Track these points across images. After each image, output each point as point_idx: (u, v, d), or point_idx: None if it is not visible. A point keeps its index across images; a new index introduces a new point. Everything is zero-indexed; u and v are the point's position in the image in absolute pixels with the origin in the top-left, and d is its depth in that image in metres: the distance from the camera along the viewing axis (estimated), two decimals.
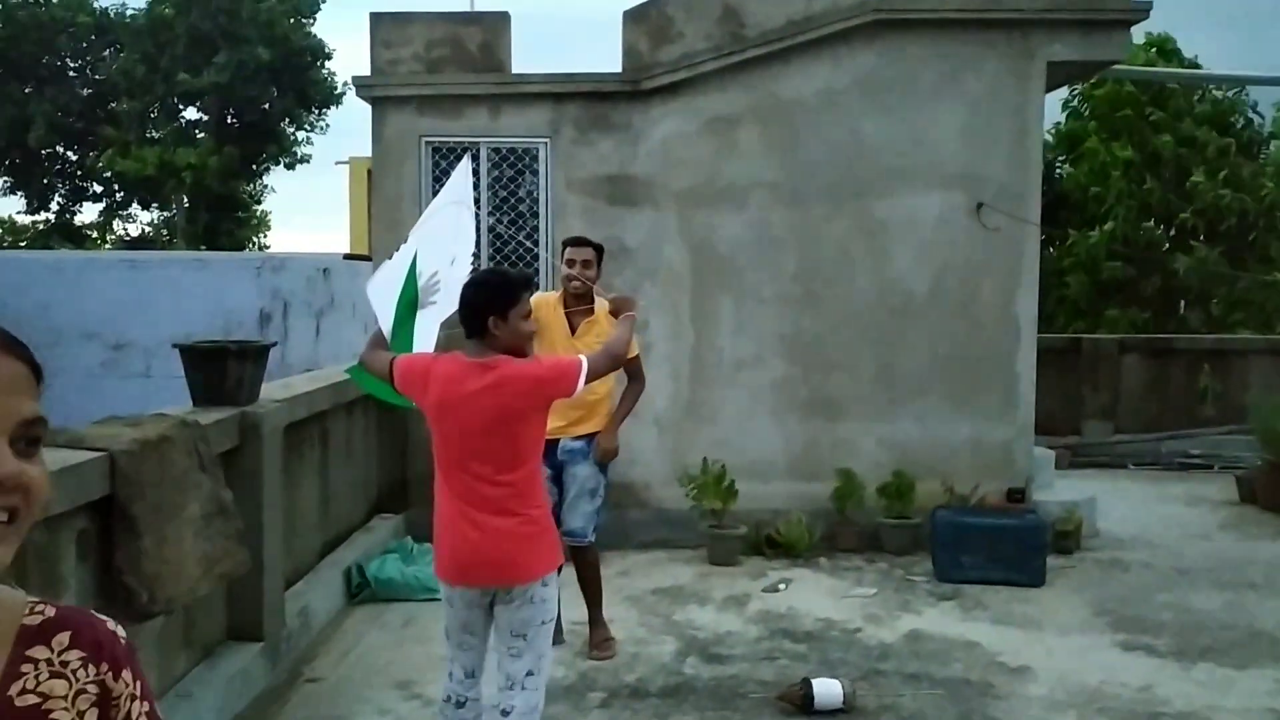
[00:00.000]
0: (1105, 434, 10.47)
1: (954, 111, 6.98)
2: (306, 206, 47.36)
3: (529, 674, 3.23)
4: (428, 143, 7.11)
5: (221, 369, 4.25)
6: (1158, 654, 5.08)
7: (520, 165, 7.16)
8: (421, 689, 4.50)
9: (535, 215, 7.14)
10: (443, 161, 7.03)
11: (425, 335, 3.68)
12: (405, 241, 3.85)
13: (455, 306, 3.32)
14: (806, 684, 4.35)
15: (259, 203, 27.04)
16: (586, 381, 3.21)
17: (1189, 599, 5.95)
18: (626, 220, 7.05)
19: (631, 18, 7.07)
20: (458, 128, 7.09)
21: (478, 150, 7.07)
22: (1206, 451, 10.02)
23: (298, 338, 10.05)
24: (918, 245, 7.02)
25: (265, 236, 27.75)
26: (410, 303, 3.68)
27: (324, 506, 5.73)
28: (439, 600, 3.46)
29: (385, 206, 7.16)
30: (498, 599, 3.22)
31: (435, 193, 4.41)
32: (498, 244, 7.17)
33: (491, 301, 3.15)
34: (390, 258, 3.80)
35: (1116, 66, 8.85)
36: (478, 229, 7.01)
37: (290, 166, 25.43)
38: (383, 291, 3.70)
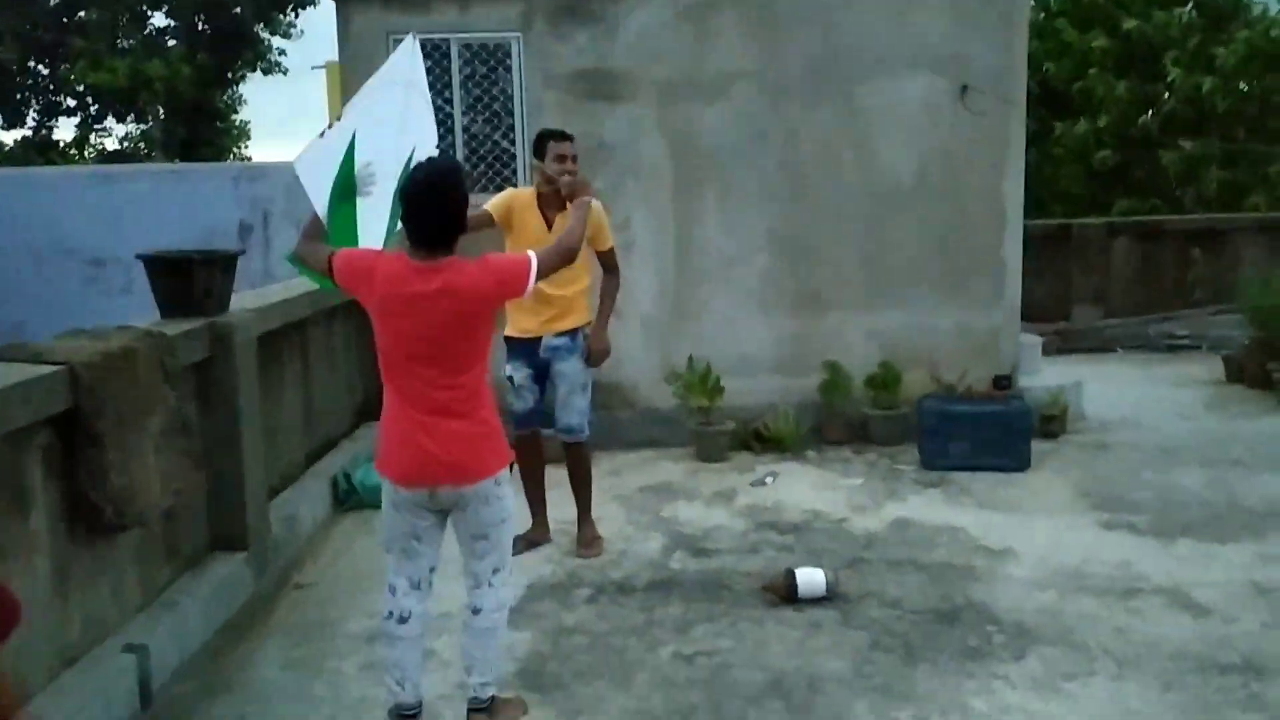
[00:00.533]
0: (1094, 319, 10.44)
1: None
2: (288, 114, 46.39)
3: (495, 571, 3.23)
4: (396, 40, 6.86)
5: (188, 279, 4.17)
6: (1139, 532, 5.13)
7: (493, 62, 6.95)
8: None
9: (510, 114, 6.96)
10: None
11: (371, 229, 3.52)
12: (339, 119, 3.57)
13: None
14: (790, 574, 4.39)
15: (236, 112, 26.39)
16: (538, 279, 3.13)
17: (1172, 478, 5.99)
18: (605, 116, 6.87)
19: None
20: (426, 24, 6.82)
21: (448, 46, 6.86)
22: (1194, 332, 10.02)
23: (279, 248, 9.92)
24: (902, 131, 6.86)
25: (246, 147, 27.14)
26: (345, 188, 3.47)
27: (307, 416, 5.71)
28: None
29: None
30: (453, 507, 3.18)
31: None
32: (473, 144, 7.00)
33: (459, 219, 3.07)
34: (322, 135, 3.51)
35: None
36: (451, 130, 6.91)
37: (267, 73, 24.78)
38: (314, 171, 3.44)
